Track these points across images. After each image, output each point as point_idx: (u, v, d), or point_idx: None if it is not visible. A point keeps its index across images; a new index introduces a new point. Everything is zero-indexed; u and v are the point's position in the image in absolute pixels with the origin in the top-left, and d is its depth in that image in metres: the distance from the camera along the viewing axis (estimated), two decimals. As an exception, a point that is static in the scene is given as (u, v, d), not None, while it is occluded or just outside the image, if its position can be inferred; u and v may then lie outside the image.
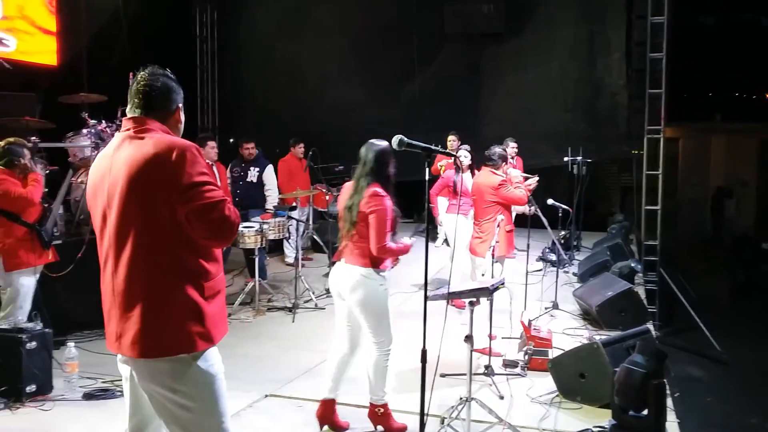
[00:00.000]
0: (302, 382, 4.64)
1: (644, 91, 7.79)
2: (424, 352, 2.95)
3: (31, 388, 4.20)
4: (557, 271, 6.95)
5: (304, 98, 10.84)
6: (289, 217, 7.09)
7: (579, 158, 9.01)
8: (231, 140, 10.27)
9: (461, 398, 3.78)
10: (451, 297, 3.96)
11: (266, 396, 4.39)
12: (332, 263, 4.04)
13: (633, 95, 9.40)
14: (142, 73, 2.33)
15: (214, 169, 6.79)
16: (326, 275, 7.48)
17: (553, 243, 7.34)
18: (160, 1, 9.90)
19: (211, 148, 6.84)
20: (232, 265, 7.91)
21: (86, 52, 8.19)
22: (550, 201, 6.81)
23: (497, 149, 5.60)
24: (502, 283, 4.07)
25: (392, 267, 3.81)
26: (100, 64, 8.22)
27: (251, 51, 11.43)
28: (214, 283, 2.28)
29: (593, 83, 10.19)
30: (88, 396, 4.28)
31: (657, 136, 7.71)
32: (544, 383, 4.52)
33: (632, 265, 7.13)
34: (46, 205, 4.91)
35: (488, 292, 3.88)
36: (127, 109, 2.32)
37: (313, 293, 6.85)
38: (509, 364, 4.89)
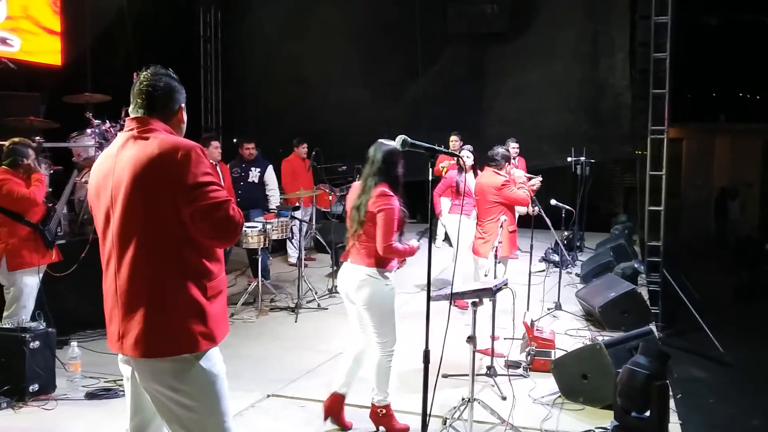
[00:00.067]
0: (305, 382, 4.64)
1: (648, 92, 7.75)
2: (426, 353, 2.94)
3: (34, 387, 4.21)
4: (560, 272, 6.93)
5: (308, 98, 10.84)
6: (293, 217, 7.10)
7: (582, 159, 9.01)
8: (234, 140, 10.28)
9: (463, 399, 3.77)
10: (454, 298, 3.95)
11: (268, 396, 4.39)
12: (339, 264, 4.03)
13: (636, 95, 9.36)
14: (144, 73, 2.32)
15: (218, 169, 6.80)
16: (329, 275, 7.51)
17: (556, 243, 7.35)
18: (164, 2, 9.92)
19: (215, 148, 6.85)
20: (235, 265, 7.93)
21: (90, 52, 8.21)
22: (553, 201, 6.80)
23: (500, 149, 5.60)
24: (505, 284, 4.07)
25: (399, 268, 3.80)
26: (104, 64, 8.25)
27: (255, 51, 11.43)
28: (216, 283, 2.28)
29: (597, 83, 10.18)
30: (91, 395, 4.29)
31: (660, 136, 7.67)
32: (547, 384, 4.52)
33: (635, 266, 7.13)
34: (50, 205, 4.92)
35: (491, 292, 3.88)
36: (130, 109, 2.32)
37: (316, 293, 6.86)
38: (512, 364, 4.88)
